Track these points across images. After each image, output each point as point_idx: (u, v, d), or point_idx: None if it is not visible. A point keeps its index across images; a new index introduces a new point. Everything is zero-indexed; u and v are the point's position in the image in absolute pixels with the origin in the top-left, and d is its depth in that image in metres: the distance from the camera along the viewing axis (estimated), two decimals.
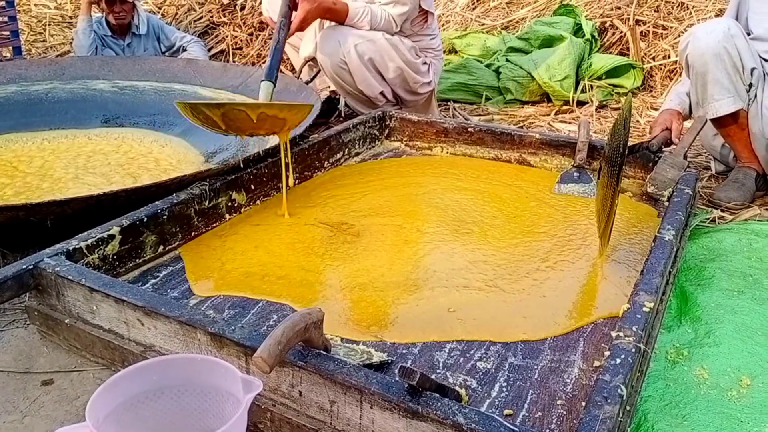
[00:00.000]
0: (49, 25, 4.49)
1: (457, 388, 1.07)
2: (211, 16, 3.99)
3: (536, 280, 1.46)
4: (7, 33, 3.32)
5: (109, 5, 3.35)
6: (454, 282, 1.44)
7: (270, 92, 1.97)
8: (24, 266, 1.26)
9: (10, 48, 3.41)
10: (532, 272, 1.49)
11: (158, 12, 4.19)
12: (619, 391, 0.94)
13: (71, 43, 3.84)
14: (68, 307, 1.26)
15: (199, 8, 4.06)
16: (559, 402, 1.09)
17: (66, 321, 1.26)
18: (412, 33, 2.57)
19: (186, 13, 4.10)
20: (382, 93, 2.51)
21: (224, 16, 3.96)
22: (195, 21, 4.02)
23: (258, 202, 1.82)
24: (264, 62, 3.60)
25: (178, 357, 0.97)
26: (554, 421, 1.05)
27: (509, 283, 1.44)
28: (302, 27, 2.26)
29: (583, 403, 1.07)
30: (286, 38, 2.18)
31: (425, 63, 2.59)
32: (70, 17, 4.62)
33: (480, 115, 3.01)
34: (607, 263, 1.53)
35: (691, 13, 3.37)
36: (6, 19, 3.30)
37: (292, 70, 3.30)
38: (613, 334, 1.10)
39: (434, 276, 1.47)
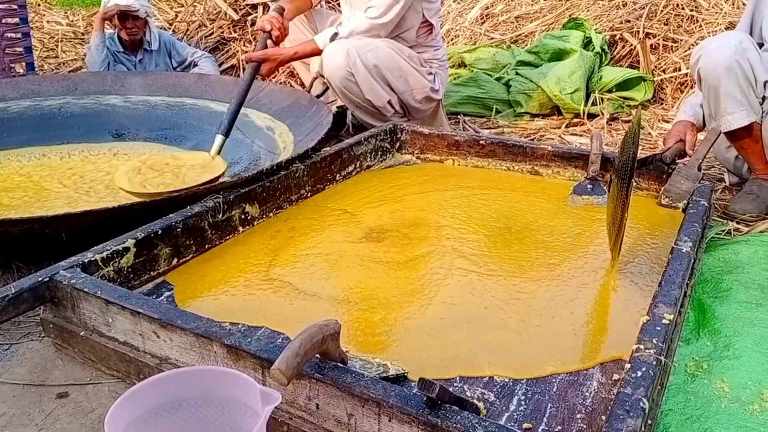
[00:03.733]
0: (61, 41, 4.54)
1: (474, 401, 1.06)
2: (222, 32, 4.03)
3: (566, 319, 1.34)
4: (21, 49, 3.35)
5: (122, 21, 3.38)
6: (481, 318, 1.35)
7: (220, 145, 2.15)
8: (40, 279, 1.26)
9: (24, 64, 3.44)
10: (559, 307, 1.38)
11: (170, 28, 4.23)
12: (641, 404, 0.93)
13: (83, 59, 3.87)
14: (83, 319, 1.26)
15: (210, 24, 4.10)
16: (578, 415, 1.07)
17: (81, 333, 1.26)
18: (416, 44, 2.59)
19: (197, 29, 4.14)
20: (389, 103, 2.52)
21: (235, 32, 3.99)
22: (206, 37, 4.06)
23: (271, 214, 1.82)
24: (274, 77, 3.63)
25: (197, 369, 0.97)
26: None
27: (543, 320, 1.34)
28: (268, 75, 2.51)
29: (603, 417, 1.06)
30: (245, 95, 2.28)
31: (430, 73, 2.61)
32: (82, 34, 4.67)
33: (490, 128, 3.01)
34: (629, 287, 1.47)
35: (701, 26, 3.37)
36: (19, 35, 3.34)
37: (302, 85, 3.31)
38: (633, 346, 1.08)
39: (453, 309, 1.38)
